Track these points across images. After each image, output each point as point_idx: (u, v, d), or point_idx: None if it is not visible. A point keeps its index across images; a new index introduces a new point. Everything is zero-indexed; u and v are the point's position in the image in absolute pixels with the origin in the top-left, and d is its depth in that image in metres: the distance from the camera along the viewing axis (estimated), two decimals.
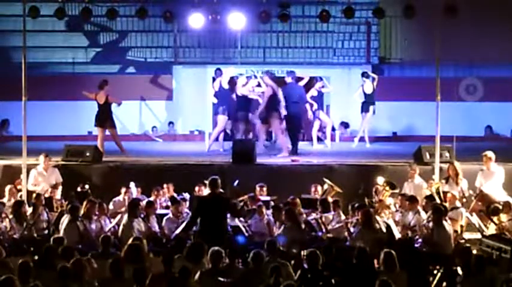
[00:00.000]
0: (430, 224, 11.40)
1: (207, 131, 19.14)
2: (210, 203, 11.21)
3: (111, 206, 13.21)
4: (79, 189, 13.55)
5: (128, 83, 19.86)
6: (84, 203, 12.09)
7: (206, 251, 9.46)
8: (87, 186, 13.66)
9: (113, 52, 21.69)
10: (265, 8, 16.05)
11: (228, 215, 11.85)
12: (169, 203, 13.11)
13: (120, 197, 13.44)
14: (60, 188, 13.93)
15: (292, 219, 11.75)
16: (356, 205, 12.17)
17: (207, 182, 13.11)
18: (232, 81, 17.37)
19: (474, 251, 10.08)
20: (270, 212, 12.55)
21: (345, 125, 20.20)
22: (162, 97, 20.73)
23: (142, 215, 11.99)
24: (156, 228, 12.15)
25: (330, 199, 12.96)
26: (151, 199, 13.17)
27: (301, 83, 17.54)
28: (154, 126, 20.67)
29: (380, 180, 13.41)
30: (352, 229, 11.75)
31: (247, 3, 17.06)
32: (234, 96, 17.19)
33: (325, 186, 13.41)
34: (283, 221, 11.82)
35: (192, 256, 9.47)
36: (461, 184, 13.42)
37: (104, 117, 16.26)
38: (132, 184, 13.57)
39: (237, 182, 13.21)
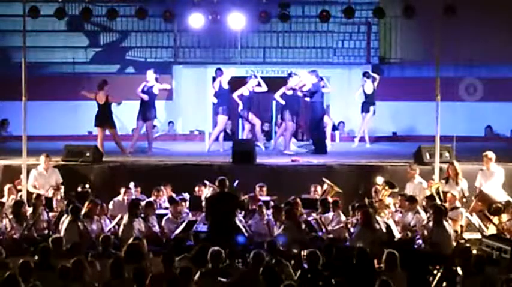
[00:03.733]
0: (430, 224, 11.40)
1: (207, 131, 19.12)
2: (219, 201, 11.57)
3: (110, 206, 13.21)
4: (80, 189, 13.55)
5: (128, 83, 19.80)
6: (86, 203, 12.09)
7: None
8: (87, 186, 13.66)
9: (113, 52, 21.68)
10: (265, 8, 16.02)
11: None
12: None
13: (120, 197, 13.44)
14: (62, 189, 13.92)
15: (292, 219, 11.76)
16: (356, 205, 12.17)
17: (207, 182, 13.24)
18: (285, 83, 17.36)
19: (474, 251, 10.08)
20: (270, 212, 12.55)
21: (342, 124, 20.18)
22: (162, 97, 20.70)
23: (142, 215, 12.01)
24: (156, 228, 12.17)
25: (330, 199, 12.97)
26: (152, 199, 13.17)
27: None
28: (154, 126, 20.63)
29: (379, 180, 13.43)
30: (352, 229, 11.76)
31: (247, 3, 17.04)
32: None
33: (325, 186, 13.42)
34: (283, 221, 11.82)
35: (198, 259, 9.43)
36: (461, 184, 13.42)
37: (104, 118, 16.24)
38: (131, 184, 13.57)
39: (237, 182, 13.21)
